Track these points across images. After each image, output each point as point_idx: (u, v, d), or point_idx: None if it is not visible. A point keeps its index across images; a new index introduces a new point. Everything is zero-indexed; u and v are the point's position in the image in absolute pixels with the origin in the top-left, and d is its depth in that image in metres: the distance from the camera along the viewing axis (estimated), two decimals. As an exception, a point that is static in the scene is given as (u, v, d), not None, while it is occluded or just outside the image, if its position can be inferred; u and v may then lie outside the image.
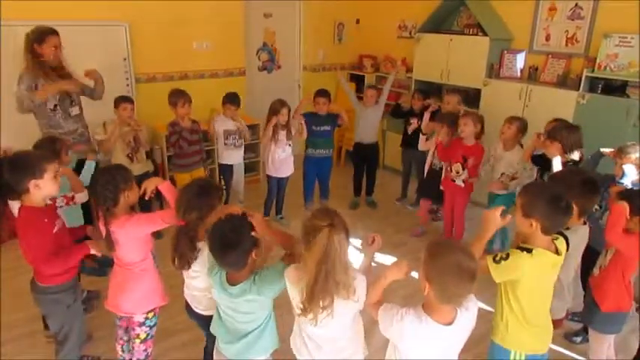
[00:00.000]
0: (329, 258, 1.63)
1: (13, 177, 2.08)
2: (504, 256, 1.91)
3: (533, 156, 3.38)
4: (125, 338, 2.45)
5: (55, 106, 3.29)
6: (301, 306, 1.70)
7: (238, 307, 1.90)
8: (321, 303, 1.67)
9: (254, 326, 1.94)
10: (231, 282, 1.86)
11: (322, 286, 1.65)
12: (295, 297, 1.78)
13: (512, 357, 2.03)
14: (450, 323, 1.63)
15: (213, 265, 1.91)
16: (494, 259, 1.92)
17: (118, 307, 2.32)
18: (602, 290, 2.46)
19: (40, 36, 3.20)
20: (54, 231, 2.19)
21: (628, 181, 2.78)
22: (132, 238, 2.19)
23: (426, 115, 4.46)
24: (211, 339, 2.40)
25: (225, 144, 4.34)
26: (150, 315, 2.35)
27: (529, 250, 1.89)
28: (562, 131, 3.04)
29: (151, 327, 2.37)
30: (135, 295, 2.28)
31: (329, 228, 1.63)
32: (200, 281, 2.17)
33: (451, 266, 1.56)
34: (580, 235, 2.29)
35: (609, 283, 2.43)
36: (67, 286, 2.33)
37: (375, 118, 4.77)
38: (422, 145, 4.58)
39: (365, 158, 4.94)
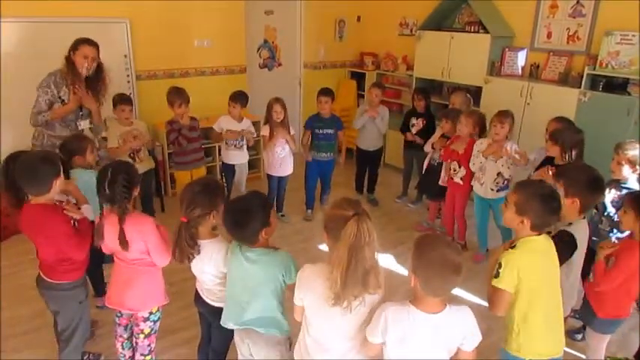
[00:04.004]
0: (359, 244, 1.65)
1: (37, 179, 2.13)
2: (498, 266, 1.95)
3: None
4: (125, 336, 2.45)
5: None
6: (333, 296, 1.71)
7: (251, 274, 1.97)
8: (353, 291, 1.68)
9: (263, 304, 2.00)
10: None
11: (353, 273, 1.66)
12: (307, 295, 1.80)
13: None
14: (435, 313, 1.65)
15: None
16: (495, 278, 1.95)
17: (122, 304, 2.32)
18: (598, 297, 2.44)
19: (76, 44, 3.27)
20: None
21: (633, 184, 2.78)
22: (143, 239, 2.21)
23: (438, 133, 4.27)
24: (207, 336, 2.44)
25: (226, 143, 4.32)
26: (154, 310, 2.35)
27: (513, 247, 1.95)
28: (562, 134, 3.04)
29: (155, 322, 2.37)
30: (140, 291, 2.28)
31: (356, 216, 1.67)
32: (209, 278, 2.19)
33: (435, 259, 1.59)
34: (582, 229, 2.29)
35: (606, 292, 2.39)
36: (80, 282, 2.35)
37: (381, 126, 4.72)
38: (427, 147, 4.44)
39: (368, 160, 4.94)
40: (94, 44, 3.31)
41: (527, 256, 1.94)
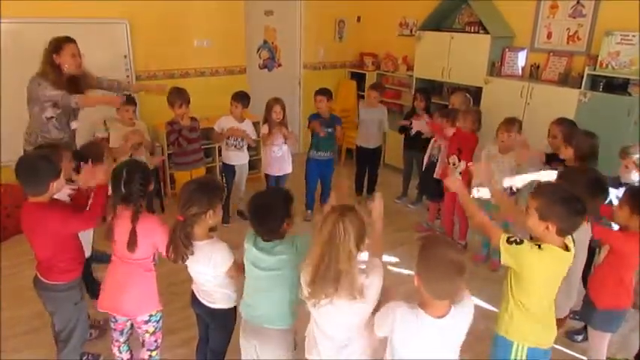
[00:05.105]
0: (333, 243, 1.67)
1: (34, 179, 2.10)
2: (519, 240, 1.90)
3: (546, 155, 3.27)
4: (122, 340, 2.43)
5: (52, 117, 3.28)
6: (309, 289, 1.73)
7: (265, 262, 2.00)
8: (322, 289, 1.69)
9: (279, 284, 2.00)
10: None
11: (325, 272, 1.67)
12: (304, 286, 1.81)
13: (514, 348, 2.02)
14: (442, 317, 1.64)
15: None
16: (508, 240, 1.91)
17: (117, 309, 2.29)
18: (597, 288, 2.47)
19: (58, 45, 3.19)
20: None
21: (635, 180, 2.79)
22: (150, 239, 2.21)
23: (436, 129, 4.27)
24: (205, 337, 2.43)
25: (226, 143, 4.32)
26: (153, 312, 2.34)
27: (539, 246, 1.89)
28: (578, 137, 3.00)
29: (157, 321, 2.37)
30: (135, 295, 2.26)
31: (336, 215, 1.69)
32: (207, 280, 2.18)
33: (438, 260, 1.58)
34: (583, 233, 2.28)
35: (604, 281, 2.43)
36: (75, 283, 2.33)
37: (378, 121, 4.73)
38: (415, 124, 4.45)
39: (367, 159, 4.95)
40: (73, 39, 3.26)
41: (548, 266, 1.89)
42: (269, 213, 1.97)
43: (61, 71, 3.20)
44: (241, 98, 4.22)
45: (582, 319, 2.82)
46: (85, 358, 2.70)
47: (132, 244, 2.14)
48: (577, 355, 2.90)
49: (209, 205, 2.05)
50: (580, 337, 3.01)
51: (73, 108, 3.33)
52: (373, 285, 1.75)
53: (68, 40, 3.23)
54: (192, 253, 2.07)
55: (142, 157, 3.94)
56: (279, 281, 2.00)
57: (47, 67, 3.18)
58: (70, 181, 2.57)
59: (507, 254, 1.91)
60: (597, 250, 2.56)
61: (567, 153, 2.99)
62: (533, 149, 3.43)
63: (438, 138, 4.16)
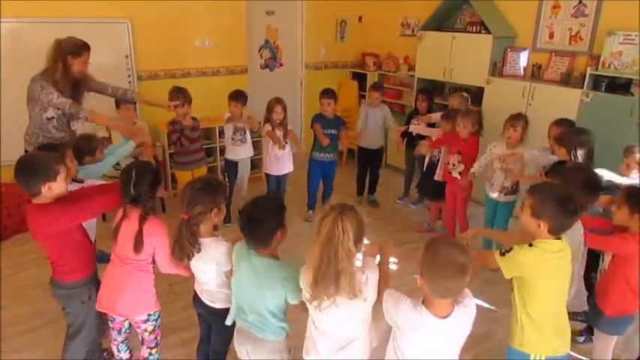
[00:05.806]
0: (332, 242, 1.67)
1: (26, 180, 2.08)
2: (508, 249, 1.95)
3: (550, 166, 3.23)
4: (120, 339, 2.43)
5: (52, 117, 3.28)
6: (310, 291, 1.73)
7: (254, 282, 1.96)
8: (324, 290, 1.69)
9: (265, 310, 1.97)
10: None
11: (325, 271, 1.67)
12: (304, 288, 1.81)
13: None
14: (445, 317, 1.64)
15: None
16: (500, 253, 1.96)
17: (113, 309, 2.28)
18: (604, 295, 2.45)
19: (78, 50, 3.18)
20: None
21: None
22: (151, 240, 2.20)
23: (439, 133, 4.28)
24: (206, 337, 2.43)
25: (232, 139, 4.34)
26: (151, 312, 2.33)
27: (530, 245, 1.92)
28: (567, 136, 3.00)
29: (156, 320, 2.36)
30: (132, 296, 2.25)
31: (336, 214, 1.68)
32: (209, 278, 2.18)
33: (441, 260, 1.59)
34: (575, 230, 2.26)
35: (611, 288, 2.42)
36: (83, 283, 2.33)
37: (381, 121, 4.74)
38: (412, 127, 4.52)
39: (369, 160, 4.95)
40: (90, 47, 3.26)
41: (543, 261, 1.90)
42: (260, 225, 1.91)
43: (70, 73, 3.19)
44: (240, 97, 4.24)
45: (589, 322, 2.80)
46: (104, 354, 2.72)
47: (138, 244, 2.14)
48: (579, 357, 2.89)
49: (213, 203, 2.05)
50: (582, 339, 2.99)
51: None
52: (370, 282, 1.76)
53: (88, 47, 3.23)
54: (198, 251, 2.08)
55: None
56: (268, 295, 1.96)
57: (58, 64, 3.13)
58: (75, 180, 2.57)
59: (505, 265, 1.94)
60: (602, 256, 2.54)
61: (561, 153, 2.99)
62: (532, 176, 3.40)
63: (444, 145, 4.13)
